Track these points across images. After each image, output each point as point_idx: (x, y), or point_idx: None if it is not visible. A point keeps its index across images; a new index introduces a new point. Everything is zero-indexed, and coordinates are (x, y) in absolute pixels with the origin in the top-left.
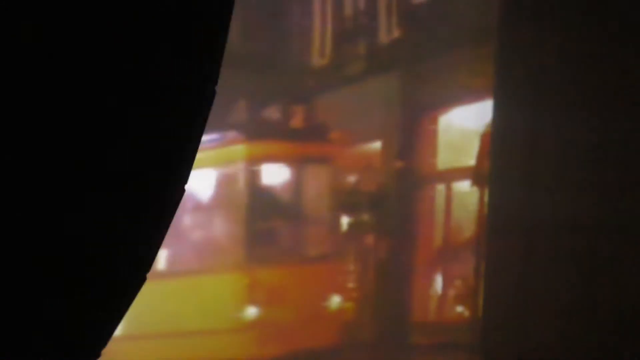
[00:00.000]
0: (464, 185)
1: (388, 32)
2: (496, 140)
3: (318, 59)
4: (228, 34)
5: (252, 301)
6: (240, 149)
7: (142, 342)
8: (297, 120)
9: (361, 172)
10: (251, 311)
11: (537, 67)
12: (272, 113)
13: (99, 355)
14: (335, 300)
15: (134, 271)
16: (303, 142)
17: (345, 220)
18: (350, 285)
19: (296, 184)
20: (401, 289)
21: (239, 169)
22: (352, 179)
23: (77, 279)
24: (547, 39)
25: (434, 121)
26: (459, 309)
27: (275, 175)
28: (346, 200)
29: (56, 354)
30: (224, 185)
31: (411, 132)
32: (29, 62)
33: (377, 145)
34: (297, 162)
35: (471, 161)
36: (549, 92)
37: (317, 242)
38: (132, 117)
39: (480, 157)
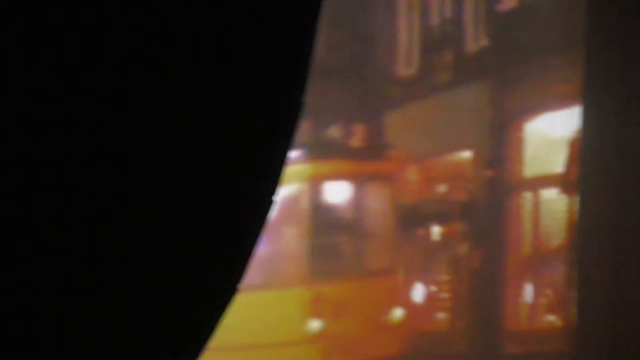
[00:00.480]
0: (550, 193)
1: (475, 40)
2: (585, 146)
3: (404, 69)
4: (315, 42)
5: (316, 314)
6: (304, 168)
7: (209, 355)
8: (357, 139)
9: (451, 182)
10: (315, 324)
11: (626, 72)
12: (334, 132)
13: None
14: (397, 313)
15: (225, 283)
16: (363, 160)
17: (436, 230)
18: (444, 295)
19: (357, 200)
20: (493, 297)
21: (303, 187)
22: (442, 188)
23: (169, 292)
24: (636, 44)
25: (521, 129)
26: (550, 317)
27: (337, 192)
28: (437, 210)
29: None
30: (289, 202)
31: (500, 140)
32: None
33: (466, 154)
34: (358, 180)
35: (558, 168)
36: (639, 97)
37: (379, 256)
38: (223, 128)
39: (569, 164)
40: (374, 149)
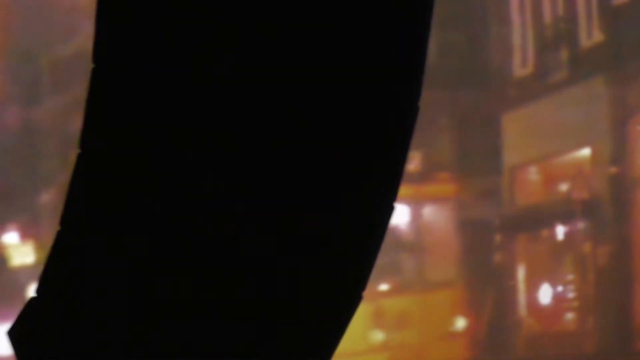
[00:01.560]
0: None
1: (589, 35)
2: None
3: (520, 69)
4: (428, 46)
5: (379, 326)
6: None
7: None
8: (414, 165)
9: (572, 180)
10: (379, 335)
11: None
12: None
13: None
14: (460, 323)
15: (350, 290)
16: (419, 184)
17: (560, 230)
18: (571, 294)
19: (416, 220)
20: (622, 295)
21: None
22: (564, 187)
23: (297, 301)
24: None
25: None
26: None
27: (397, 214)
28: (560, 209)
29: None
30: None
31: (620, 136)
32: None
33: (586, 151)
34: (415, 203)
35: None
36: None
37: (439, 270)
38: (345, 134)
39: None
40: (428, 173)
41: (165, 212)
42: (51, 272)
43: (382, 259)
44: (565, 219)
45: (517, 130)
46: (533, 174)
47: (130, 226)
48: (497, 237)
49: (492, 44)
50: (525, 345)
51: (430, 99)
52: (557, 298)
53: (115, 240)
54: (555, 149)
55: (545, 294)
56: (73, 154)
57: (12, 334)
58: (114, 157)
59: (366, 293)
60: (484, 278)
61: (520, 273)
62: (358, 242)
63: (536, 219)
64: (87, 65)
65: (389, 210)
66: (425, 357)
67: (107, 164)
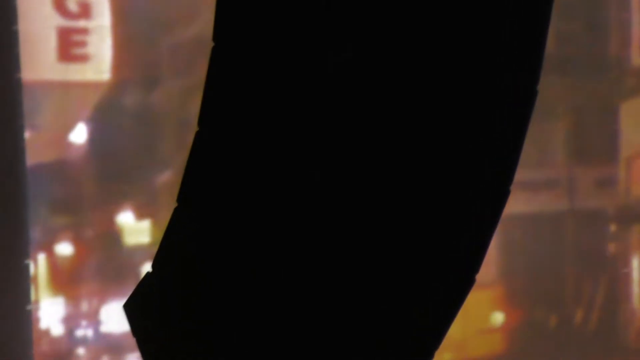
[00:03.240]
0: None
1: None
2: None
3: (639, 58)
4: (548, 32)
5: None
6: None
7: None
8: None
9: None
10: None
11: None
12: None
13: (432, 356)
14: (498, 318)
15: (464, 273)
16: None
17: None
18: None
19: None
20: None
21: None
22: None
23: (413, 285)
24: None
25: None
26: None
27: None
28: None
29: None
30: None
31: None
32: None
33: None
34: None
35: None
36: None
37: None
38: (467, 118)
39: None
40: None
41: (275, 198)
42: (167, 249)
43: None
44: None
45: (635, 120)
46: None
47: (243, 207)
48: (612, 227)
49: (611, 31)
50: (638, 336)
51: (547, 87)
52: None
53: (229, 219)
54: None
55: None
56: (191, 136)
57: (128, 308)
58: (231, 137)
59: None
60: (597, 268)
61: (635, 263)
62: (473, 225)
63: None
64: (207, 50)
65: (505, 194)
66: (464, 348)
67: (224, 143)
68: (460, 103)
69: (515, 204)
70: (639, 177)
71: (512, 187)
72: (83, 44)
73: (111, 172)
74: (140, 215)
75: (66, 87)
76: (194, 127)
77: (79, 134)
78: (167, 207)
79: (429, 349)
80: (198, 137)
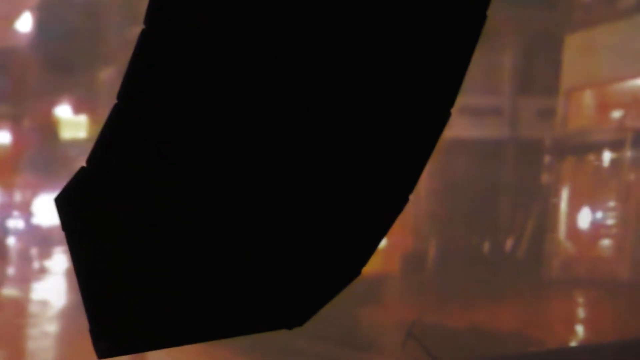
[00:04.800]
0: None
1: None
2: None
3: None
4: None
5: None
6: None
7: None
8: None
9: (627, 108)
10: None
11: None
12: None
13: (301, 323)
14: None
15: (347, 266)
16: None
17: (608, 157)
18: (609, 221)
19: None
20: None
21: None
22: (617, 114)
23: (298, 268)
24: None
25: None
26: None
27: None
28: (609, 136)
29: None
30: None
31: None
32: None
33: None
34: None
35: None
36: None
37: None
38: (365, 126)
39: None
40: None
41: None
42: (103, 145)
43: None
44: (613, 146)
45: (578, 53)
46: (589, 98)
47: (181, 113)
48: (546, 157)
49: None
50: (560, 267)
51: (495, 17)
52: (596, 224)
53: (168, 120)
54: (614, 75)
55: (584, 219)
56: (137, 31)
57: (59, 202)
58: (146, 114)
59: None
60: (530, 196)
61: (564, 196)
62: (363, 226)
63: (585, 143)
64: None
65: (400, 203)
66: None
67: (139, 119)
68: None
69: (459, 129)
70: (577, 109)
71: (458, 112)
72: None
73: (53, 63)
74: (78, 109)
75: None
76: (140, 25)
77: (24, 23)
78: (107, 103)
79: (300, 314)
80: (115, 109)
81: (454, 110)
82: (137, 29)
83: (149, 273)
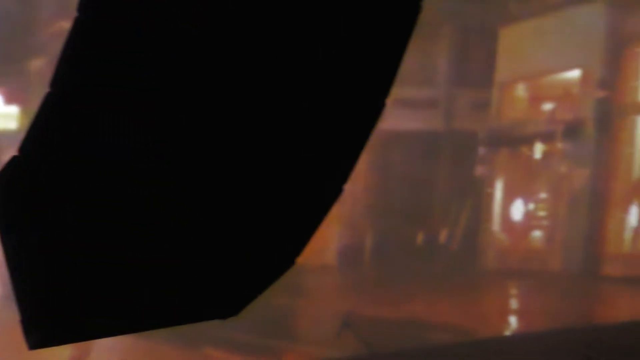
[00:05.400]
0: None
1: None
2: None
3: None
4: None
5: None
6: None
7: None
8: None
9: (559, 101)
10: None
11: None
12: None
13: (235, 313)
14: None
15: (281, 257)
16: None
17: (540, 148)
18: (542, 213)
19: None
20: (594, 219)
21: None
22: (548, 107)
23: (232, 256)
24: None
25: (638, 53)
26: None
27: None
28: (542, 128)
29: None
30: None
31: (614, 61)
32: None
33: (576, 73)
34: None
35: None
36: None
37: None
38: (299, 117)
39: None
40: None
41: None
42: (36, 133)
43: None
44: (546, 138)
45: (511, 46)
46: (522, 90)
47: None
48: (481, 149)
49: None
50: (493, 258)
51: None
52: (529, 215)
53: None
54: (547, 68)
55: (517, 210)
56: (69, 23)
57: None
58: (77, 102)
59: None
60: (464, 188)
61: (498, 187)
62: (297, 215)
63: (518, 136)
64: None
65: (335, 192)
66: None
67: (100, 28)
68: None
69: (395, 121)
70: (511, 102)
71: (393, 104)
72: None
73: None
74: (9, 100)
75: None
76: (74, 13)
77: None
78: (39, 94)
79: (238, 302)
80: (47, 97)
81: (389, 102)
82: (70, 18)
83: (79, 263)
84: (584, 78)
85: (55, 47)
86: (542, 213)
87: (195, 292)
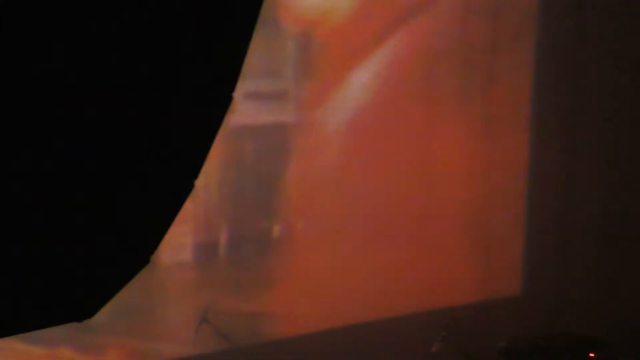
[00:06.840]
0: None
1: None
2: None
3: None
4: (249, 42)
5: None
6: None
7: None
8: None
9: None
10: None
11: None
12: None
13: (91, 315)
14: None
15: (134, 255)
16: None
17: None
18: None
19: None
20: None
21: None
22: None
23: (85, 255)
24: None
25: None
26: None
27: None
28: None
29: (59, 310)
30: None
31: None
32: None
33: None
34: None
35: None
36: None
37: None
38: (147, 111)
39: None
40: None
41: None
42: None
43: None
44: None
45: None
46: None
47: None
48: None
49: None
50: None
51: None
52: None
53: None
54: None
55: None
56: None
57: None
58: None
59: None
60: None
61: None
62: (148, 212)
63: None
64: None
65: (186, 188)
66: None
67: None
68: (145, 98)
69: (244, 115)
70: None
71: (242, 97)
72: None
73: None
74: None
75: None
76: None
77: None
78: None
79: (90, 305)
80: None
81: (236, 95)
82: None
83: None
84: None
85: None
86: None
87: (48, 296)
